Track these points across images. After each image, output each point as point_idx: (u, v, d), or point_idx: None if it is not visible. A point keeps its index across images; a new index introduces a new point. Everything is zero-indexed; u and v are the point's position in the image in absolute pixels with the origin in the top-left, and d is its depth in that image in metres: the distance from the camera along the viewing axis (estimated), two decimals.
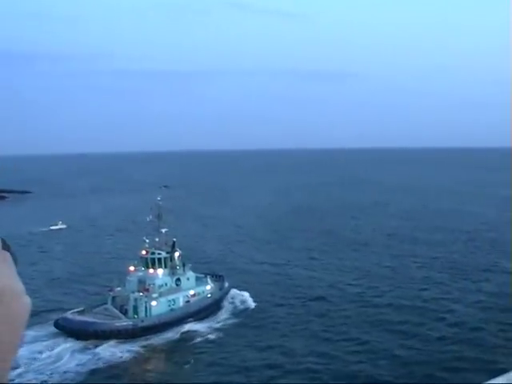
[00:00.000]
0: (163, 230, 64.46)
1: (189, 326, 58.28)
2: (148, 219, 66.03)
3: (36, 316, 53.35)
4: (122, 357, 50.79)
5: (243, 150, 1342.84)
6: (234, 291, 68.32)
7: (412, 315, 59.83)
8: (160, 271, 61.55)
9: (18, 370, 44.98)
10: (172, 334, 56.29)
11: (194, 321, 59.62)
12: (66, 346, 51.85)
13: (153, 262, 61.67)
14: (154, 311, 57.66)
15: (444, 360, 48.60)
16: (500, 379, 23.23)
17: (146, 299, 57.75)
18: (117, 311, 57.10)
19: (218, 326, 59.31)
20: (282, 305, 65.41)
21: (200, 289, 64.24)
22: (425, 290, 70.22)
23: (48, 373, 46.72)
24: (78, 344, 52.39)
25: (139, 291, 58.83)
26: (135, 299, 57.76)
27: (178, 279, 62.72)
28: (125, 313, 57.22)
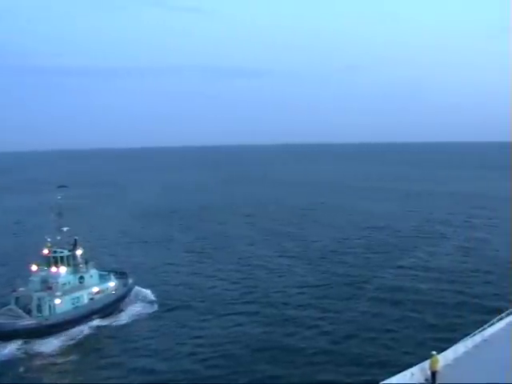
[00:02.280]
0: (65, 229, 64.94)
1: (93, 323, 59.47)
2: (49, 218, 66.63)
3: None
4: (25, 356, 51.18)
5: (154, 147, 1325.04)
6: (137, 288, 70.04)
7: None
8: (63, 269, 62.09)
9: None
10: (77, 332, 57.11)
11: (99, 318, 60.77)
12: None
13: (55, 261, 62.16)
14: (58, 309, 58.33)
15: None
16: (394, 379, 27.68)
17: (49, 298, 58.17)
18: (21, 311, 57.12)
19: (122, 321, 60.95)
20: (182, 301, 67.87)
21: (104, 286, 65.36)
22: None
23: None
24: None
25: (42, 290, 59.20)
26: (39, 298, 58.04)
27: (82, 277, 63.45)
28: (29, 312, 57.43)
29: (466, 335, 35.22)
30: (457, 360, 31.47)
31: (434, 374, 29.73)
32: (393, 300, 64.53)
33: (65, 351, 53.10)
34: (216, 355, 50.06)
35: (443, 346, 31.94)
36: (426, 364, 30.05)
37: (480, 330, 34.68)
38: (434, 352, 30.14)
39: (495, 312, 46.57)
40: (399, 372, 29.47)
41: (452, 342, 34.53)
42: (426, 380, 29.88)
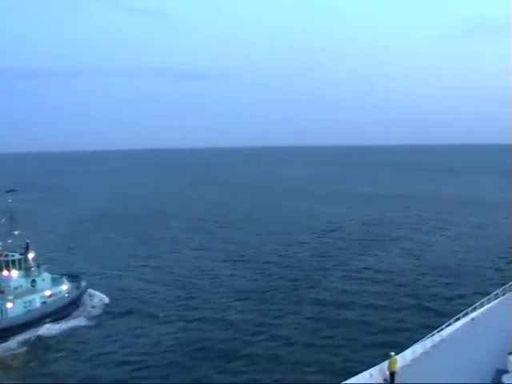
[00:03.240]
0: (16, 232, 63.75)
1: (46, 327, 58.67)
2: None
3: None
4: None
5: (106, 150, 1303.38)
6: (90, 291, 69.92)
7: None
8: (14, 273, 60.98)
9: None
10: (29, 335, 56.27)
11: (52, 321, 59.96)
12: None
13: (6, 264, 60.95)
14: (11, 313, 57.20)
15: None
16: (353, 379, 27.81)
17: (1, 302, 57.11)
18: None
19: (74, 324, 60.66)
20: (131, 305, 67.77)
21: (56, 289, 64.47)
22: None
23: None
24: None
25: None
26: None
27: (34, 280, 62.44)
28: None
29: (415, 339, 36.05)
30: (415, 360, 32.00)
31: (392, 374, 30.18)
32: (340, 303, 65.50)
33: (13, 356, 52.24)
34: (153, 363, 49.88)
35: (393, 349, 32.29)
36: (385, 365, 30.44)
37: (438, 330, 35.41)
38: (393, 353, 30.54)
39: (446, 315, 48.13)
40: (357, 373, 29.77)
41: (401, 344, 35.17)
42: (385, 380, 30.32)
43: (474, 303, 40.67)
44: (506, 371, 25.98)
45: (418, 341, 34.47)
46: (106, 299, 68.04)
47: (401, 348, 33.39)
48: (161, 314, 62.85)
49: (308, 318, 60.37)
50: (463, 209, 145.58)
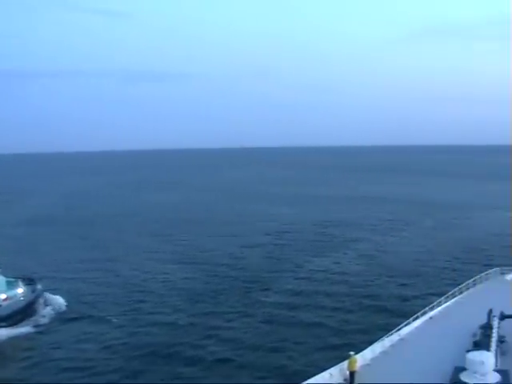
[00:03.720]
0: None
1: (1, 331, 56.09)
2: None
3: None
4: None
5: (63, 152, 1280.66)
6: (46, 294, 67.99)
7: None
8: None
9: None
10: None
11: (7, 325, 57.61)
12: None
13: None
14: None
15: None
16: (313, 380, 26.76)
17: None
18: None
19: (31, 328, 58.65)
20: (87, 306, 66.48)
21: (11, 292, 61.96)
22: None
23: None
24: None
25: None
26: None
27: None
28: None
29: (369, 340, 35.76)
30: (374, 360, 31.57)
31: (352, 374, 29.82)
32: (294, 305, 64.35)
33: None
34: (99, 370, 47.86)
35: (347, 351, 31.37)
36: (345, 364, 29.79)
37: (397, 329, 35.01)
38: (352, 352, 30.01)
39: (401, 315, 47.81)
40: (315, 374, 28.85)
41: (355, 346, 34.32)
42: (345, 380, 29.94)
43: (430, 303, 40.57)
44: (463, 369, 25.78)
45: (375, 341, 33.70)
46: (60, 303, 66.16)
47: (356, 349, 32.46)
48: (111, 318, 61.13)
49: (261, 321, 59.12)
50: (416, 209, 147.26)
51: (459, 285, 46.12)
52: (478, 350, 27.75)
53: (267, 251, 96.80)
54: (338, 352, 41.28)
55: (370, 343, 33.74)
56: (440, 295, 44.84)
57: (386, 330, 37.29)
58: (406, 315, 40.80)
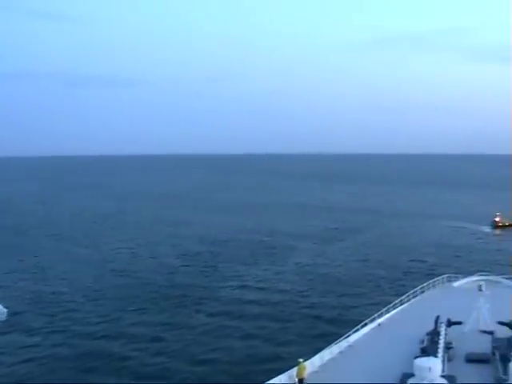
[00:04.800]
0: None
1: None
2: None
3: None
4: None
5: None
6: None
7: None
8: None
9: None
10: None
11: None
12: None
13: None
14: None
15: None
16: (282, 378, 26.47)
17: None
18: None
19: None
20: (31, 312, 64.75)
21: None
22: None
23: None
24: None
25: None
26: None
27: None
28: None
29: (308, 350, 35.64)
30: (323, 366, 31.62)
31: (301, 381, 29.97)
32: (233, 316, 63.20)
33: None
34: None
35: (285, 363, 31.25)
36: (294, 371, 29.70)
37: (345, 336, 35.21)
38: (301, 359, 29.95)
39: (342, 324, 48.18)
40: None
41: (294, 357, 34.22)
42: None
43: (371, 313, 40.81)
44: (411, 375, 26.14)
45: (315, 350, 33.87)
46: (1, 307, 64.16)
47: (290, 362, 32.52)
48: (41, 329, 58.96)
49: (195, 333, 57.56)
50: (362, 218, 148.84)
51: (404, 294, 46.64)
52: (426, 356, 28.23)
53: (204, 260, 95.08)
54: (275, 364, 41.90)
55: (305, 353, 33.63)
56: (382, 304, 45.33)
57: (325, 340, 37.56)
58: (348, 325, 41.16)
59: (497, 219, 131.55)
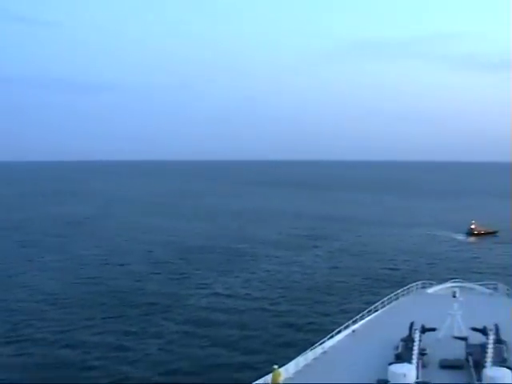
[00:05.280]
0: None
1: None
2: None
3: None
4: None
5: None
6: None
7: None
8: None
9: None
10: None
11: None
12: None
13: None
14: None
15: None
16: (259, 382, 26.34)
17: None
18: None
19: None
20: None
21: None
22: None
23: None
24: None
25: None
26: None
27: None
28: None
29: (279, 359, 35.20)
30: (298, 373, 31.62)
31: None
32: (201, 324, 62.19)
33: None
34: None
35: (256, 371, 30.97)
36: (269, 378, 29.67)
37: (320, 342, 35.29)
38: (276, 366, 29.92)
39: (316, 332, 48.37)
40: None
41: (263, 367, 34.12)
42: None
43: (343, 322, 40.83)
44: (386, 381, 26.32)
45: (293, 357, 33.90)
46: None
47: (259, 370, 32.59)
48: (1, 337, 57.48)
49: (164, 341, 56.49)
50: (334, 225, 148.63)
51: (377, 301, 46.78)
52: (400, 362, 28.43)
53: (173, 268, 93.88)
54: (244, 373, 41.53)
55: (273, 362, 33.52)
56: (355, 312, 45.30)
57: (295, 348, 37.53)
58: (319, 333, 41.34)
59: (472, 227, 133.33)
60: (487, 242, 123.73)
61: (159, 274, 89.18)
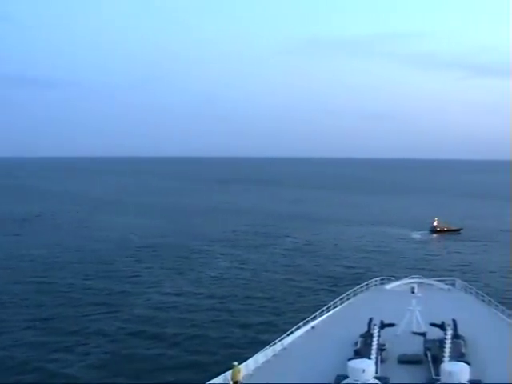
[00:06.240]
0: None
1: None
2: None
3: None
4: None
5: None
6: None
7: None
8: None
9: None
10: None
11: None
12: None
13: None
14: None
15: None
16: (217, 381, 26.15)
17: None
18: None
19: None
20: None
21: None
22: None
23: None
24: None
25: None
26: None
27: None
28: None
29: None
30: (258, 369, 31.79)
31: (235, 383, 29.54)
32: (151, 323, 60.95)
33: None
34: None
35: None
36: (229, 375, 29.74)
37: (279, 339, 35.51)
38: (236, 362, 30.04)
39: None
40: None
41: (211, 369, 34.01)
42: None
43: (297, 322, 40.89)
44: (345, 377, 26.67)
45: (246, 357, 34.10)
46: None
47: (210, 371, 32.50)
48: None
49: (108, 340, 55.33)
50: (285, 223, 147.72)
51: (331, 300, 46.75)
52: (359, 358, 28.78)
53: (122, 266, 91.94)
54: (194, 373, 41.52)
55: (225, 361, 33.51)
56: (311, 310, 44.88)
57: (248, 346, 37.34)
58: (273, 331, 41.50)
59: (435, 224, 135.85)
60: (449, 239, 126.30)
61: (108, 272, 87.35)
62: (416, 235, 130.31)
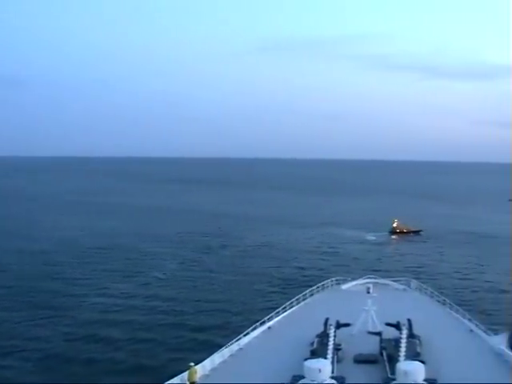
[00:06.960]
0: None
1: None
2: None
3: None
4: None
5: None
6: None
7: None
8: None
9: None
10: None
11: None
12: None
13: None
14: None
15: None
16: (173, 382, 25.70)
17: None
18: None
19: None
20: None
21: None
22: None
23: None
24: None
25: None
26: None
27: None
28: None
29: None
30: (214, 370, 31.81)
31: None
32: (98, 326, 59.54)
33: None
34: None
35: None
36: (185, 375, 29.68)
37: (236, 339, 35.61)
38: (192, 363, 30.01)
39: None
40: None
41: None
42: None
43: (247, 324, 41.06)
44: (302, 377, 26.92)
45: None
46: None
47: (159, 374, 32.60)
48: None
49: (55, 345, 53.90)
50: (240, 225, 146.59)
51: (291, 298, 47.04)
52: (315, 358, 29.01)
53: (67, 269, 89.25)
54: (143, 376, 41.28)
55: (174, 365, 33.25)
56: (265, 312, 44.40)
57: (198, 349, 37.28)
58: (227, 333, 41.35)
59: (395, 225, 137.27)
60: (408, 240, 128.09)
61: (55, 274, 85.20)
62: (374, 237, 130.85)
